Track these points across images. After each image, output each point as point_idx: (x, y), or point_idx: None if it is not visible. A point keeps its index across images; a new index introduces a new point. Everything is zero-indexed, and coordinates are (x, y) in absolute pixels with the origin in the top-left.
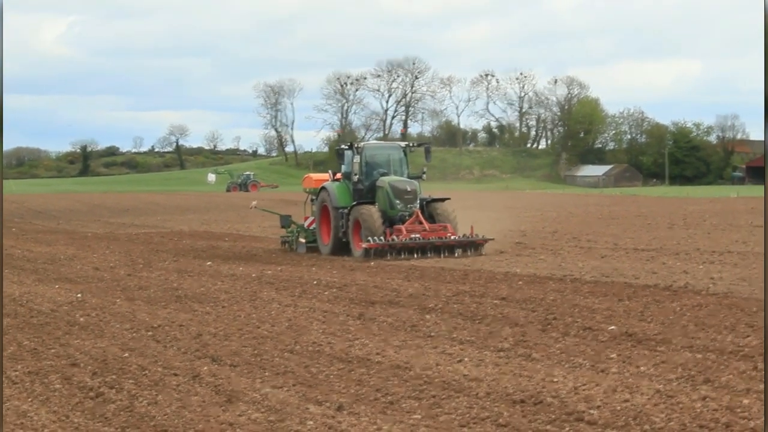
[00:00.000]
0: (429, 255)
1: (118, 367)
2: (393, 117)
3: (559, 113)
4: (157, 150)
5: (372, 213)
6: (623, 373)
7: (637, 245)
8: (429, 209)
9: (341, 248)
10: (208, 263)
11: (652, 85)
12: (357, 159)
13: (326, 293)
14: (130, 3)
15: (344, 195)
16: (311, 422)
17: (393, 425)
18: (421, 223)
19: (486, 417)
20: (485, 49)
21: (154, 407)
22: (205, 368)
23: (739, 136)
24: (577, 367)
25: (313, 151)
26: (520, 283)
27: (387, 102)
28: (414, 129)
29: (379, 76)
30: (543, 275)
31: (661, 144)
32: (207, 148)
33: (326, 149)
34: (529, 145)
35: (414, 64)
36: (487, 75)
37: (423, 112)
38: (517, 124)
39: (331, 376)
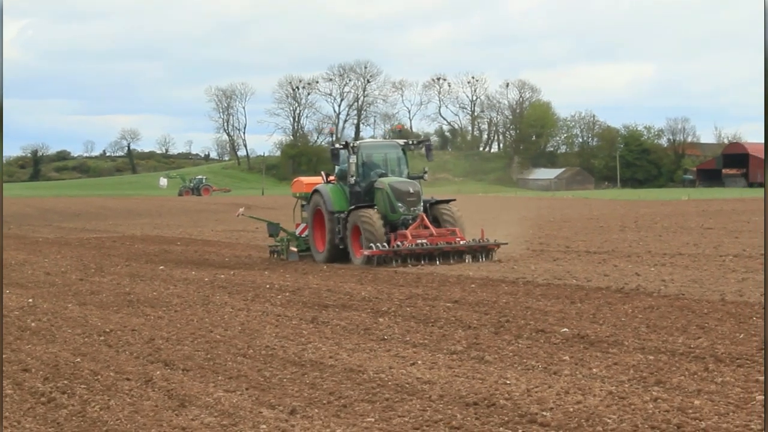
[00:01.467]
0: (437, 262)
1: (70, 372)
2: (345, 121)
3: (510, 117)
4: (108, 154)
5: (373, 217)
6: (576, 375)
7: (589, 248)
8: (433, 212)
9: (338, 256)
10: (161, 267)
11: (605, 88)
12: (353, 159)
13: (279, 297)
14: (82, 7)
15: (339, 198)
16: (264, 426)
17: (346, 429)
18: (426, 227)
19: (439, 420)
20: (437, 52)
21: (106, 412)
22: (158, 373)
23: (689, 139)
24: (530, 369)
25: (266, 155)
26: (473, 286)
27: (339, 106)
28: (366, 132)
29: (331, 80)
30: (496, 278)
31: (613, 147)
32: (159, 152)
33: (278, 153)
34: (481, 149)
35: (366, 68)
36: (439, 79)
37: (375, 116)
38: (469, 128)
39: (284, 380)
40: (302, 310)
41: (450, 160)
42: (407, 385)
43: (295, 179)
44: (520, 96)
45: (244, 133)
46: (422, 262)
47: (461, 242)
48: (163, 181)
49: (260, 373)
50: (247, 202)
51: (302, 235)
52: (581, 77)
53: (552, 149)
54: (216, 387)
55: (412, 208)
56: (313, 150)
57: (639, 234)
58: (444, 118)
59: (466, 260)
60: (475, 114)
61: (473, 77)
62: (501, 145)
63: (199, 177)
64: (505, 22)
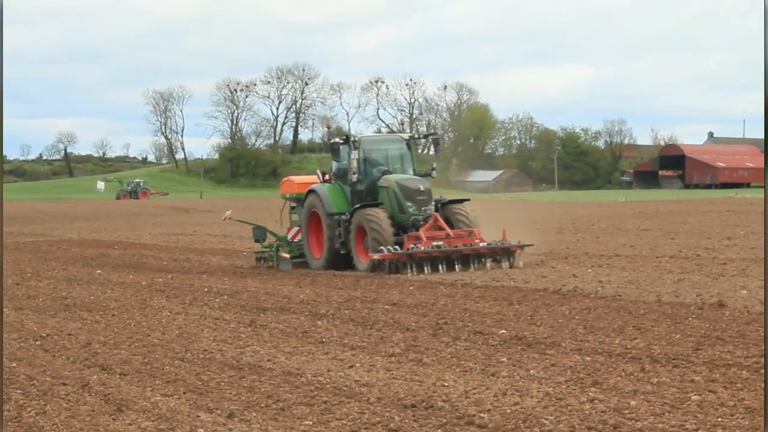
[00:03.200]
0: (456, 267)
1: (6, 377)
2: (283, 123)
3: (449, 119)
4: (45, 158)
5: (380, 217)
6: (513, 377)
7: (527, 249)
8: (445, 213)
9: (338, 262)
10: (98, 271)
11: (543, 91)
12: (355, 155)
13: (217, 300)
14: (18, 10)
15: (339, 199)
16: (202, 430)
17: (284, 431)
18: (440, 228)
19: (377, 422)
20: (376, 55)
21: (42, 417)
22: (95, 377)
23: (626, 141)
24: (468, 371)
25: (204, 158)
26: (411, 288)
27: (277, 108)
28: (304, 135)
29: (269, 82)
30: (434, 280)
31: (550, 149)
32: (96, 155)
33: (216, 156)
34: (420, 151)
35: (304, 70)
36: (377, 81)
37: (313, 119)
38: (408, 130)
39: (222, 384)
40: (240, 313)
41: None
42: (345, 388)
43: (285, 179)
44: (458, 98)
45: (182, 136)
46: (440, 268)
47: (481, 244)
48: (101, 185)
49: (198, 377)
50: (186, 206)
51: (294, 240)
52: (519, 80)
53: (490, 151)
54: (153, 391)
55: (423, 208)
56: (251, 153)
57: (576, 236)
58: (383, 121)
59: (487, 265)
60: (414, 116)
61: (411, 80)
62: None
63: (137, 180)
64: (444, 25)
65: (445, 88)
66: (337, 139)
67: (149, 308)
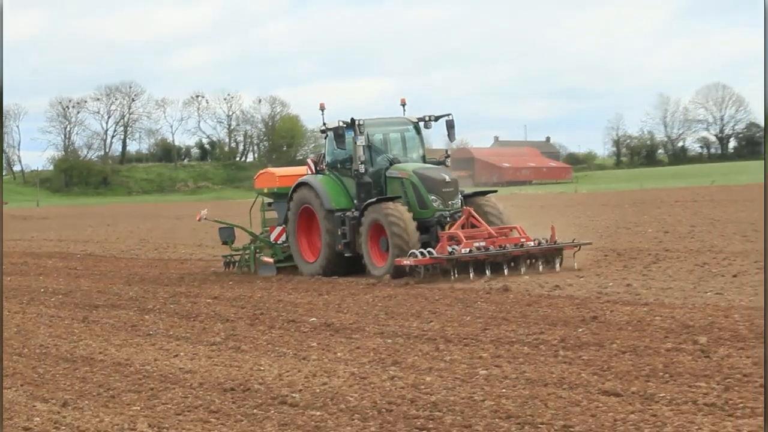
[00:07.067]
0: (505, 270)
1: None
2: (113, 136)
3: (264, 129)
4: None
5: (404, 215)
6: (322, 360)
7: None
8: (469, 207)
9: (338, 266)
10: None
11: (349, 102)
12: (361, 140)
13: (53, 299)
14: None
15: (338, 192)
16: (38, 419)
17: (114, 417)
18: (475, 226)
19: (199, 405)
20: (198, 72)
21: None
22: None
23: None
24: (282, 356)
25: (40, 169)
26: (231, 283)
27: (107, 123)
28: (132, 147)
29: (98, 99)
30: (253, 276)
31: None
32: None
33: (51, 167)
34: (238, 159)
35: (130, 87)
36: (198, 96)
37: (140, 131)
38: (227, 140)
39: (57, 375)
40: (74, 310)
41: (210, 169)
42: (170, 375)
43: (263, 171)
44: (272, 110)
45: (18, 149)
46: (487, 272)
47: (530, 243)
48: None
49: (34, 370)
50: (24, 214)
51: (278, 242)
52: (327, 92)
53: (301, 158)
54: None
55: (449, 202)
56: (83, 164)
57: None
58: (203, 132)
59: (539, 267)
60: (232, 128)
61: (229, 94)
62: (256, 155)
63: None
64: (260, 44)
65: (260, 101)
66: (340, 123)
67: None
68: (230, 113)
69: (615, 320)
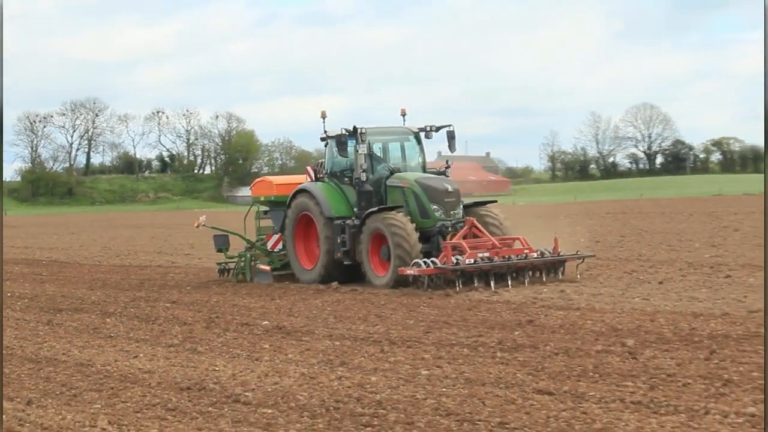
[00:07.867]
0: (509, 282)
1: None
2: (77, 149)
3: (221, 144)
4: None
5: (406, 225)
6: (274, 361)
7: None
8: (469, 216)
9: (337, 273)
10: None
11: (302, 118)
12: (363, 149)
13: (19, 303)
14: None
15: (338, 200)
16: (3, 416)
17: (76, 415)
18: (476, 236)
19: (157, 403)
20: (159, 89)
21: None
22: None
23: None
24: (236, 357)
25: (7, 180)
26: (189, 288)
27: (72, 136)
28: (96, 159)
29: (64, 114)
30: (207, 281)
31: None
32: None
33: (19, 178)
34: (196, 171)
35: (95, 103)
36: (158, 112)
37: (104, 145)
38: (186, 154)
39: (22, 375)
40: (39, 314)
41: (169, 181)
42: (130, 375)
43: (259, 180)
44: (228, 126)
45: None
46: (492, 283)
47: (533, 255)
48: None
49: None
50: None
51: (275, 250)
52: (281, 109)
53: (256, 170)
54: None
55: (452, 212)
56: (49, 175)
57: None
58: (164, 146)
59: (543, 278)
60: (190, 142)
61: (188, 110)
62: (213, 168)
63: None
64: (219, 63)
65: (217, 117)
66: (343, 130)
67: None
68: (189, 128)
69: (549, 324)
